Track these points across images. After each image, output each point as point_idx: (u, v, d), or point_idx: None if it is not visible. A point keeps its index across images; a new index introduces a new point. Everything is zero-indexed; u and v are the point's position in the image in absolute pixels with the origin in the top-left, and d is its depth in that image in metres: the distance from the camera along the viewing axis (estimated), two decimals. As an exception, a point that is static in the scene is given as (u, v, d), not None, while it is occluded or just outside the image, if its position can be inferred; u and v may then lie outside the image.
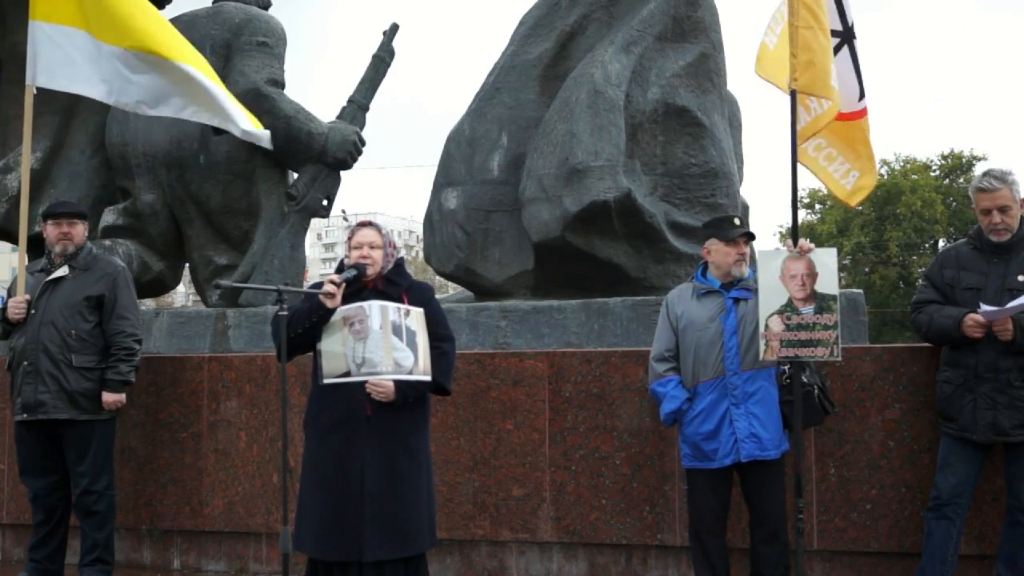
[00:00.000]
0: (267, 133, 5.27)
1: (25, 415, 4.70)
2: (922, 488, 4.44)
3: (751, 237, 4.27)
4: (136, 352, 4.87)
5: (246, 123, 5.14)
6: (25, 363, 4.71)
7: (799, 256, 4.11)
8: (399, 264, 4.02)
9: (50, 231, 4.88)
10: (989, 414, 3.99)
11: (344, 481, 3.75)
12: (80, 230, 4.90)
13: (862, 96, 4.77)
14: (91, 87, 5.11)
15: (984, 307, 3.95)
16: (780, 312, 4.07)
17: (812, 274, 4.08)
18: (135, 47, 4.99)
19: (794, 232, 4.39)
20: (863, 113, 4.78)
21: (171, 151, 6.29)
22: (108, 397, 4.76)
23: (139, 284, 5.66)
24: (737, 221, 4.27)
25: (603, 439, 4.84)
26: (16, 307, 4.79)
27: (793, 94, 4.42)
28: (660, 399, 4.22)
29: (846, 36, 4.71)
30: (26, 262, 5.24)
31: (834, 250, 4.26)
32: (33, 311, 4.77)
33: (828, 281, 4.08)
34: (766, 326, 4.07)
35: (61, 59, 5.01)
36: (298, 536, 3.84)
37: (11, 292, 4.99)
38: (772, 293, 4.09)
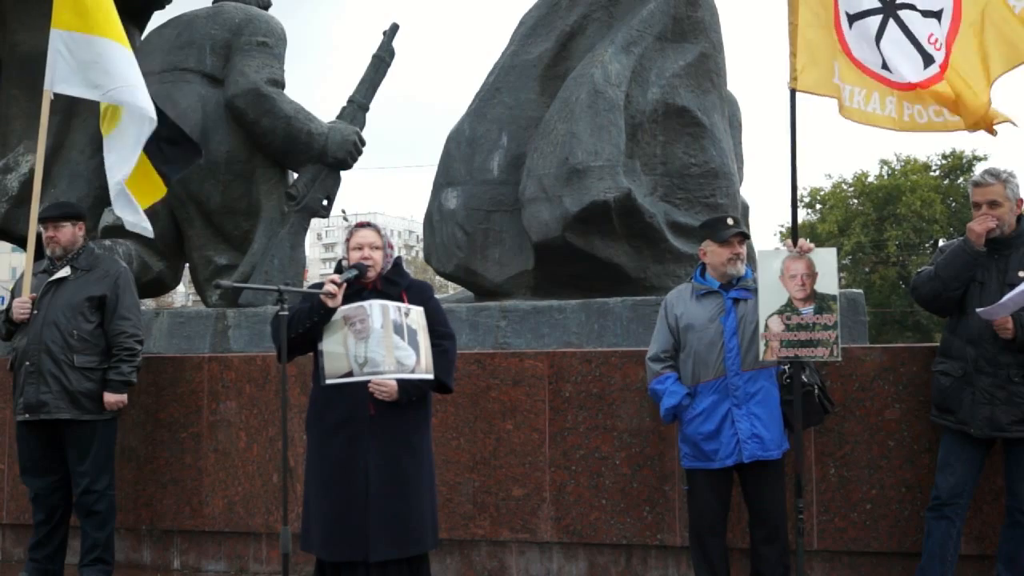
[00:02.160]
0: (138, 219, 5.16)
1: (27, 415, 4.71)
2: (922, 488, 4.44)
3: (745, 237, 4.25)
4: (137, 352, 4.88)
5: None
6: (27, 363, 4.71)
7: (799, 256, 4.11)
8: (398, 263, 4.03)
9: (43, 234, 4.90)
10: (987, 409, 3.98)
11: (349, 481, 3.75)
12: (67, 232, 4.87)
13: (929, 63, 4.38)
14: (111, 93, 5.12)
15: (979, 309, 3.94)
16: (780, 312, 4.06)
17: (812, 274, 4.07)
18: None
19: (794, 232, 4.38)
20: (935, 80, 4.38)
21: (171, 151, 6.29)
22: (110, 397, 4.77)
23: (139, 284, 5.65)
24: (731, 221, 4.24)
25: (603, 439, 4.84)
26: (21, 307, 4.79)
27: (793, 93, 4.41)
28: (659, 396, 4.22)
29: (889, 8, 4.43)
30: (30, 263, 5.24)
31: (834, 250, 4.26)
32: (35, 312, 4.78)
33: (828, 281, 4.07)
34: (766, 326, 4.06)
35: (79, 67, 5.02)
36: (306, 537, 3.85)
37: (14, 293, 4.99)
38: (772, 293, 4.09)
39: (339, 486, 3.76)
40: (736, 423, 4.06)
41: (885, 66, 4.44)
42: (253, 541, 5.31)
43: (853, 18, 4.46)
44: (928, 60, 4.42)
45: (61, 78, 5.03)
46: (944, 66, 4.38)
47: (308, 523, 3.85)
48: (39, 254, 5.07)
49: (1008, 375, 3.98)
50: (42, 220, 4.90)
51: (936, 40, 4.42)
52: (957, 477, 4.11)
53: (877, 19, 4.44)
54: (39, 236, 5.17)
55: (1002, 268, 4.05)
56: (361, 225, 4.01)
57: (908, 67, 4.41)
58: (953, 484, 4.12)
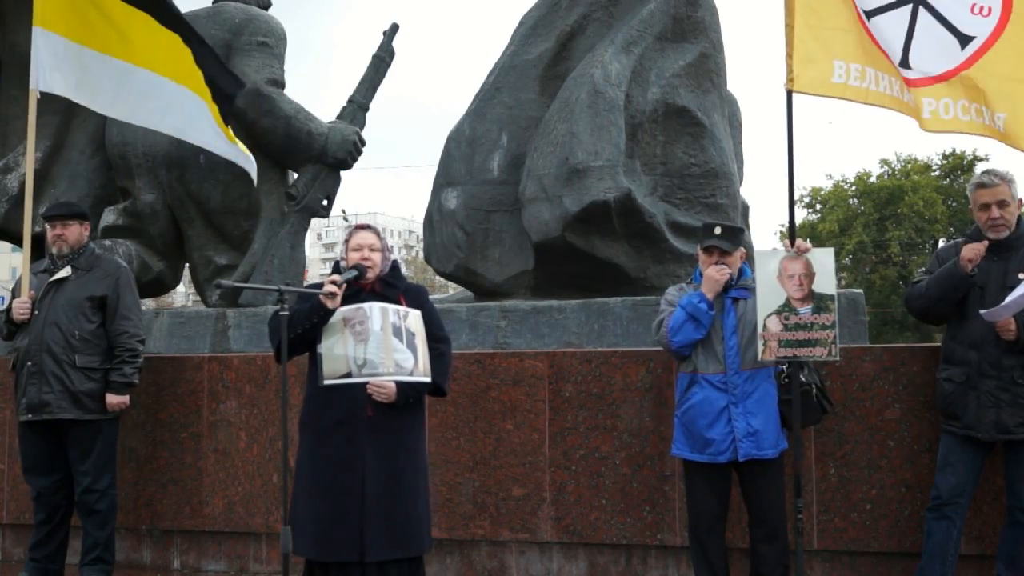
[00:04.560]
0: (248, 158, 5.51)
1: (30, 415, 4.72)
2: (922, 488, 4.44)
3: (724, 252, 4.18)
4: (139, 353, 4.89)
5: (227, 146, 5.41)
6: (29, 364, 4.72)
7: (796, 256, 4.11)
8: (395, 267, 4.04)
9: (48, 233, 4.91)
10: (992, 412, 3.99)
11: (345, 482, 3.74)
12: (75, 231, 4.90)
13: (967, 42, 4.32)
14: (88, 97, 5.17)
15: (982, 311, 3.94)
16: (778, 312, 4.06)
17: (810, 274, 4.07)
18: (124, 58, 5.14)
19: (791, 232, 4.39)
20: (974, 59, 4.29)
21: (171, 151, 6.30)
22: (112, 399, 4.78)
23: (139, 284, 5.64)
24: (718, 230, 4.21)
25: (603, 439, 4.84)
26: (21, 307, 4.80)
27: (789, 94, 4.41)
28: (677, 320, 4.13)
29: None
30: (29, 263, 5.25)
31: (831, 250, 4.26)
32: (36, 312, 4.78)
33: (826, 281, 4.08)
34: (764, 326, 4.07)
35: (60, 66, 5.05)
36: (295, 538, 3.83)
37: (15, 293, 5.00)
38: (770, 293, 4.09)
39: (335, 486, 3.75)
40: (732, 421, 4.06)
41: (904, 63, 4.38)
42: (253, 541, 5.32)
43: (869, 14, 4.41)
44: (965, 40, 4.31)
45: (45, 78, 5.06)
46: (994, 35, 4.23)
47: (298, 523, 3.80)
48: (39, 253, 5.08)
49: (1012, 377, 3.98)
50: (49, 218, 4.91)
51: (983, 7, 4.29)
52: (957, 477, 4.11)
53: (906, 10, 4.37)
54: (42, 235, 5.19)
55: (1002, 271, 4.05)
56: (361, 227, 4.02)
57: (941, 55, 4.31)
58: (953, 484, 4.12)
